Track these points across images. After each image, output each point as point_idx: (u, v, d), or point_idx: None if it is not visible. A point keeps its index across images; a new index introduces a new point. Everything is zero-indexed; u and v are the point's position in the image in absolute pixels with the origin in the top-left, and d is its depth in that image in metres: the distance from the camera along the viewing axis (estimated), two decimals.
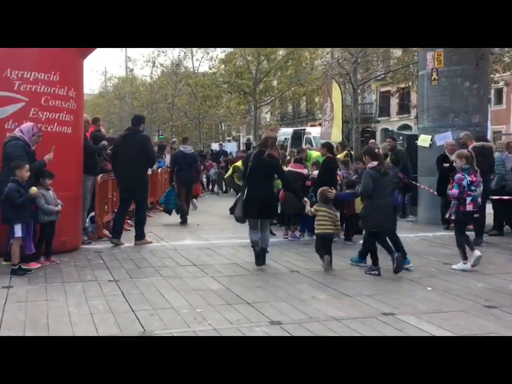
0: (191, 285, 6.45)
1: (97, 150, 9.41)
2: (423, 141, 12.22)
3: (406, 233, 10.58)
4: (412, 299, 5.96)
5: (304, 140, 28.09)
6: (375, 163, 7.19)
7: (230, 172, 13.02)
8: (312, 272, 7.19)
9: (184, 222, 12.20)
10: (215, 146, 32.48)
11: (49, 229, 7.49)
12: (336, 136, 18.02)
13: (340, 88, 19.22)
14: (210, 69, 29.91)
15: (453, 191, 7.40)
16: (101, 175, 9.53)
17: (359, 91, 20.98)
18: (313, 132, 28.49)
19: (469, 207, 7.39)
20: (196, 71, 35.88)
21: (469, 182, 7.37)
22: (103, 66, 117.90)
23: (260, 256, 7.56)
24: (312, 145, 23.41)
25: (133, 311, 5.37)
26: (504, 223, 10.95)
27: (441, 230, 11.08)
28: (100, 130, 10.40)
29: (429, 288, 6.40)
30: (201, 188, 19.03)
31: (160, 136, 43.00)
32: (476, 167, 7.55)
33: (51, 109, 7.99)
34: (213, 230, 11.25)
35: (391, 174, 7.50)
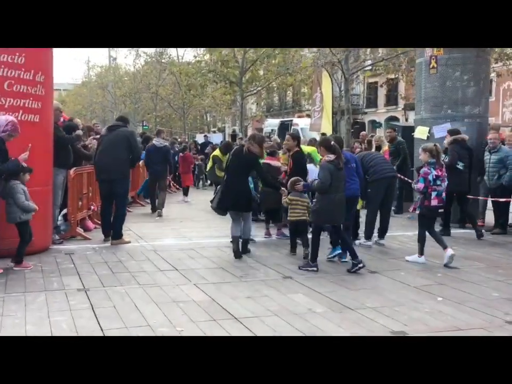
0: (171, 295, 5.68)
1: (69, 141, 8.57)
2: (420, 132, 11.51)
3: (403, 231, 9.95)
4: (422, 312, 5.24)
5: (292, 131, 27.44)
6: (332, 156, 6.89)
7: (210, 163, 12.20)
8: (307, 279, 6.46)
9: (153, 210, 12.45)
10: (200, 137, 31.61)
11: (26, 229, 6.78)
12: (326, 128, 17.36)
13: (331, 77, 18.48)
14: (195, 57, 28.95)
15: (419, 185, 7.34)
16: (74, 168, 8.70)
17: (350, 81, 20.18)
18: (301, 123, 27.86)
19: (434, 202, 7.31)
20: (181, 60, 34.91)
21: (434, 177, 7.28)
22: (86, 56, 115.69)
23: (238, 253, 7.64)
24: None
25: (102, 329, 4.60)
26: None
27: (439, 227, 10.42)
28: (73, 119, 9.55)
29: (439, 299, 5.69)
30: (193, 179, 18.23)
31: (144, 127, 41.98)
32: (441, 161, 7.55)
33: (15, 94, 7.15)
34: (196, 227, 10.49)
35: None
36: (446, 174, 7.48)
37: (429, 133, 11.30)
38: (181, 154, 15.73)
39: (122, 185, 8.57)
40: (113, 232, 8.48)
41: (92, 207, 9.81)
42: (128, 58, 53.68)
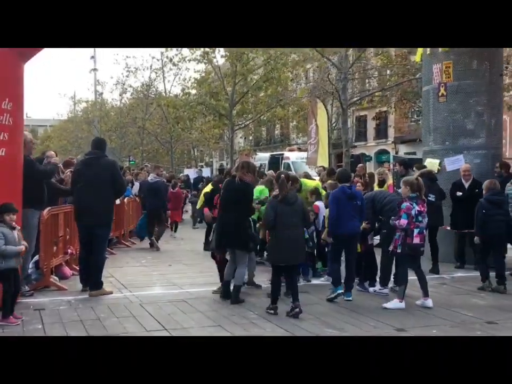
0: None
1: (45, 174, 7.50)
2: (430, 165, 10.58)
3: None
4: None
5: (282, 165, 26.58)
6: (276, 191, 6.74)
7: (200, 200, 11.16)
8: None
9: (151, 245, 12.35)
10: (189, 172, 30.59)
11: (8, 278, 5.87)
12: (322, 161, 16.45)
13: (326, 108, 17.67)
14: (182, 90, 28.13)
15: (401, 221, 6.75)
16: (48, 208, 7.61)
17: (347, 111, 19.39)
18: (292, 156, 27.01)
19: (416, 240, 6.81)
20: (168, 93, 34.15)
21: (417, 212, 6.78)
22: (72, 91, 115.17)
23: (227, 295, 7.16)
24: (291, 171, 21.99)
25: None
26: None
27: (454, 269, 9.45)
28: (45, 152, 8.51)
29: None
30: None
31: (131, 162, 40.93)
32: (423, 196, 7.04)
33: None
34: (187, 272, 9.39)
35: (299, 202, 6.67)
36: (425, 210, 6.93)
37: (439, 165, 10.41)
38: (171, 190, 15.18)
39: (104, 229, 7.54)
40: (91, 282, 7.37)
41: (70, 251, 8.69)
42: (114, 93, 52.79)
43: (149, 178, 13.20)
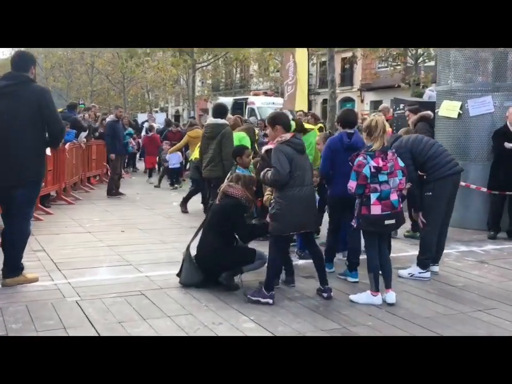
0: None
1: None
2: (449, 109, 8.52)
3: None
4: None
5: (247, 111, 24.30)
6: (288, 135, 4.80)
7: (196, 151, 8.87)
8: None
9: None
10: (143, 117, 27.76)
11: None
12: (301, 104, 14.23)
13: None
14: None
15: (350, 183, 4.81)
16: None
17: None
18: (257, 101, 24.72)
19: (376, 209, 4.72)
20: None
21: (373, 170, 4.68)
22: None
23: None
24: (256, 117, 19.79)
25: None
26: None
27: (487, 240, 7.54)
28: None
29: None
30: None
31: (80, 105, 37.53)
32: (385, 144, 4.83)
33: None
34: (145, 241, 7.14)
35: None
36: (399, 165, 4.86)
37: (461, 109, 8.34)
38: (146, 134, 14.81)
39: (30, 190, 5.07)
40: (6, 264, 5.06)
41: None
42: None
43: (107, 119, 12.48)
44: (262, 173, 4.94)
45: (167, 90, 36.30)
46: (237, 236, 5.16)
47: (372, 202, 4.69)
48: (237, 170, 5.82)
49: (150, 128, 15.48)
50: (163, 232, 7.72)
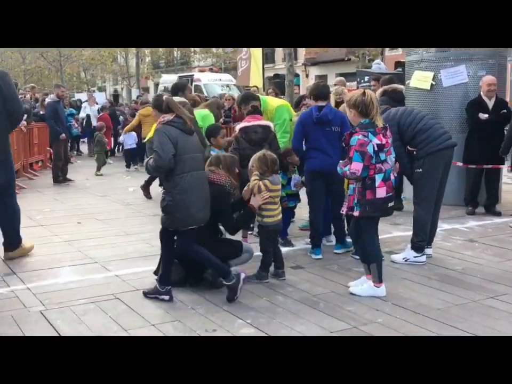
0: None
1: None
2: (421, 80, 8.15)
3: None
4: None
5: (193, 88, 23.48)
6: (169, 116, 4.15)
7: (152, 131, 8.03)
8: None
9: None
10: (80, 98, 26.37)
11: None
12: (256, 80, 13.63)
13: None
14: None
15: (354, 165, 4.15)
16: None
17: None
18: (203, 78, 23.96)
19: (381, 192, 4.22)
20: None
21: (376, 148, 4.15)
22: None
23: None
24: (203, 94, 19.08)
25: None
26: None
27: (467, 216, 7.26)
28: None
29: None
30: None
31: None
32: (383, 122, 4.32)
33: None
34: (107, 234, 6.45)
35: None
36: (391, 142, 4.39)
37: (433, 80, 7.99)
38: (97, 115, 14.16)
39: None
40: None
41: None
42: None
43: (47, 100, 11.37)
44: (144, 162, 4.39)
45: (106, 69, 34.82)
46: (221, 227, 4.60)
47: (377, 184, 4.19)
48: (211, 152, 5.24)
49: (102, 108, 14.87)
50: (124, 223, 7.05)
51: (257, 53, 13.58)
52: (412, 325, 3.79)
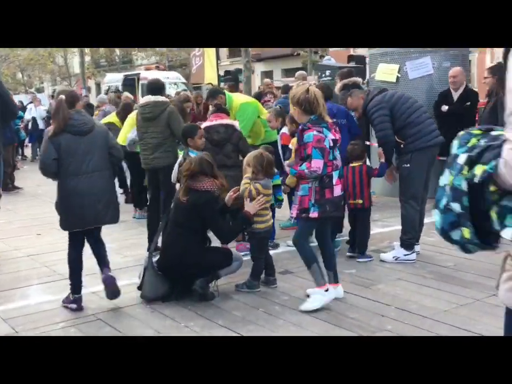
0: None
1: None
2: (386, 73, 8.03)
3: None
4: None
5: (140, 87, 22.85)
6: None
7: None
8: None
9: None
10: (20, 99, 25.24)
11: None
12: (210, 77, 13.27)
13: None
14: None
15: (315, 163, 3.82)
16: None
17: None
18: (150, 76, 23.23)
19: (338, 190, 3.99)
20: None
21: (331, 144, 3.91)
22: None
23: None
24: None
25: None
26: None
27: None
28: None
29: None
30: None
31: None
32: (327, 116, 4.02)
33: None
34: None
35: (102, 131, 4.27)
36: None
37: (399, 72, 7.88)
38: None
39: None
40: None
41: None
42: None
43: None
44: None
45: (46, 69, 33.58)
46: (212, 234, 4.28)
47: (334, 182, 3.92)
48: (190, 154, 4.89)
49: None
50: None
51: (210, 50, 13.21)
52: (423, 330, 3.58)
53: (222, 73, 18.30)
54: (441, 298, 4.13)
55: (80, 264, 4.22)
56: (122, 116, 7.68)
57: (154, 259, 4.24)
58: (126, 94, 12.33)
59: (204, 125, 5.50)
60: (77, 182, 4.04)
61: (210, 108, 6.53)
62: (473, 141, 1.59)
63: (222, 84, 12.10)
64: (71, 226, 4.16)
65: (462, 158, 1.59)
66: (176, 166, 4.91)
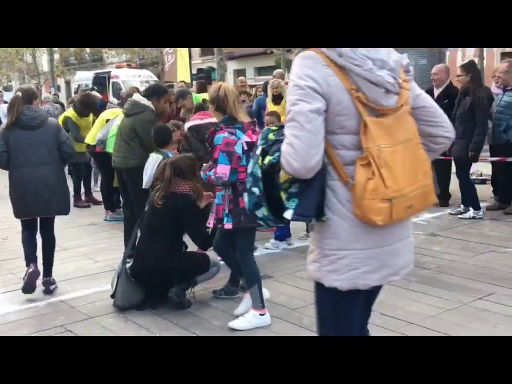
0: None
1: None
2: None
3: None
4: None
5: (111, 86, 22.49)
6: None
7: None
8: None
9: None
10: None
11: None
12: (183, 75, 13.05)
13: None
14: None
15: (220, 168, 3.54)
16: None
17: None
18: (122, 74, 22.93)
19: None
20: None
21: (245, 147, 3.59)
22: None
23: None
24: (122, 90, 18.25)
25: None
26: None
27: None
28: None
29: None
30: None
31: None
32: (244, 116, 3.77)
33: None
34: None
35: (52, 126, 4.42)
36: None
37: None
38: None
39: None
40: None
41: None
42: None
43: None
44: None
45: (14, 67, 32.85)
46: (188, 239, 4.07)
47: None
48: (169, 155, 4.68)
49: None
50: (58, 235, 6.30)
51: (183, 48, 12.99)
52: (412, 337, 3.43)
53: (194, 71, 18.17)
54: (426, 303, 4.01)
55: (34, 243, 4.48)
56: (80, 111, 7.81)
57: (128, 265, 4.03)
58: (94, 93, 12.06)
59: (190, 123, 5.29)
60: (22, 173, 4.27)
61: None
62: (270, 135, 1.92)
63: (194, 82, 11.91)
64: (18, 214, 4.44)
65: (258, 150, 1.91)
66: (150, 170, 4.68)
